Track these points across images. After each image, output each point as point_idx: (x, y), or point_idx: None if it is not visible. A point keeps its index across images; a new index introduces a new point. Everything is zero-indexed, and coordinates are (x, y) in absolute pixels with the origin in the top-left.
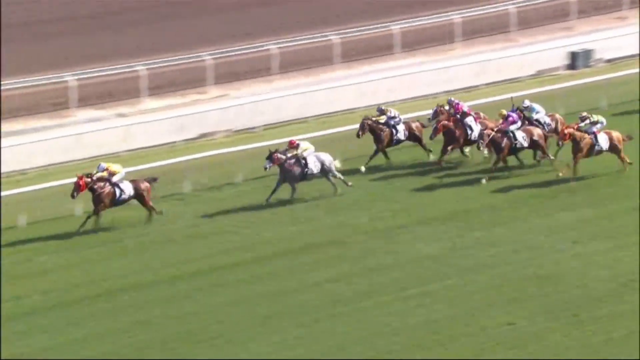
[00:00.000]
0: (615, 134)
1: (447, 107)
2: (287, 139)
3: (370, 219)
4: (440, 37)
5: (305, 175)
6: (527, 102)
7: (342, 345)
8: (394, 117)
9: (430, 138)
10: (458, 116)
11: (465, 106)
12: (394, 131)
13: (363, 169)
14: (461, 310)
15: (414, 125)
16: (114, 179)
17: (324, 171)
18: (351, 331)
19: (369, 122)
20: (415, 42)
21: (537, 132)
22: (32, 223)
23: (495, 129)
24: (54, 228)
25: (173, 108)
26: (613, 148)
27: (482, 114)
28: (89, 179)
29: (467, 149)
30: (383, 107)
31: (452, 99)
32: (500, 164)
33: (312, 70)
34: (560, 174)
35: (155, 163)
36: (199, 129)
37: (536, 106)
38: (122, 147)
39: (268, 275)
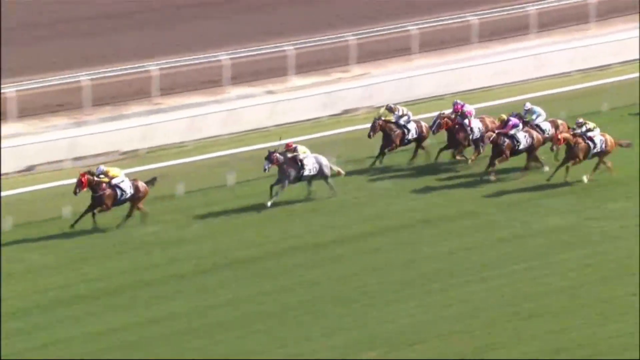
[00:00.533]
0: (609, 138)
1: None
2: (429, 114)
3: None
4: (574, 17)
5: (301, 177)
6: (528, 105)
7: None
8: (402, 116)
9: (433, 133)
10: (461, 117)
11: (469, 108)
12: (405, 131)
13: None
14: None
15: (423, 124)
16: (114, 182)
17: (321, 173)
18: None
19: (381, 122)
20: (550, 23)
21: (535, 134)
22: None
23: (496, 133)
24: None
25: (318, 86)
26: (606, 151)
27: (487, 119)
28: (92, 177)
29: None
30: (392, 105)
31: (457, 101)
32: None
33: (449, 50)
34: (586, 180)
35: (300, 137)
36: (343, 106)
37: (537, 109)
38: (270, 123)
39: (405, 244)
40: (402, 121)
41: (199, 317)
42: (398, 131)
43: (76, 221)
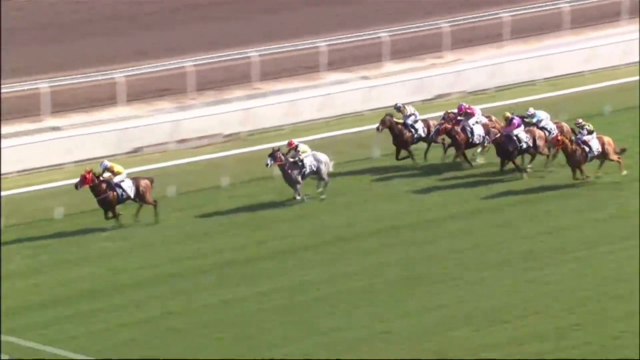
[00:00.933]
0: (607, 139)
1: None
2: (513, 101)
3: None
4: None
5: (303, 175)
6: (531, 110)
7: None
8: (410, 115)
9: (433, 139)
10: (461, 118)
11: (474, 109)
12: (413, 131)
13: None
14: None
15: (431, 123)
16: (116, 179)
17: (319, 171)
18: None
19: (390, 118)
20: None
21: (538, 133)
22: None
23: (499, 134)
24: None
25: (411, 71)
26: (603, 153)
27: (493, 118)
28: (96, 177)
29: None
30: (400, 105)
31: (463, 104)
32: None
33: (541, 37)
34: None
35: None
36: (435, 91)
37: (540, 114)
38: (364, 107)
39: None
40: (409, 121)
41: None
42: (408, 134)
43: (115, 219)
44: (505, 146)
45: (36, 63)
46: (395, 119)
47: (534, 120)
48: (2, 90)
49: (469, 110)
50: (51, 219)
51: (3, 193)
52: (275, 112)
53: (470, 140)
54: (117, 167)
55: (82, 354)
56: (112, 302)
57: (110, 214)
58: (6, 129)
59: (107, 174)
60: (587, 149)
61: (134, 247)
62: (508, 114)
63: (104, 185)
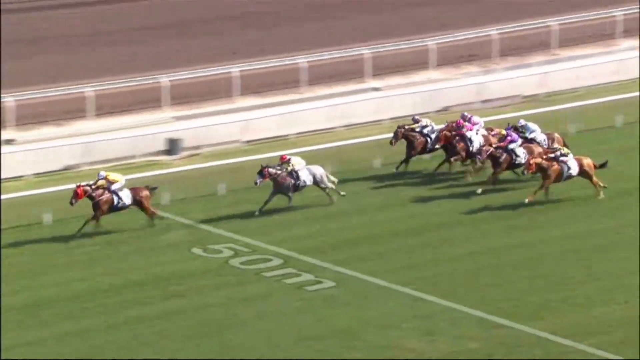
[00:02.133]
0: (586, 160)
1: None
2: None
3: None
4: None
5: (297, 187)
6: (522, 122)
7: None
8: (425, 127)
9: (432, 146)
10: (465, 128)
11: (477, 120)
12: (427, 139)
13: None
14: None
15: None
16: (113, 187)
17: (316, 182)
18: None
19: (403, 130)
20: None
21: (537, 150)
22: None
23: (495, 146)
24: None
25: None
26: (583, 173)
27: (496, 130)
28: (88, 187)
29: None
30: (417, 117)
31: (466, 113)
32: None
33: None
34: (527, 200)
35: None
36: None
37: (531, 126)
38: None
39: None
40: (425, 131)
41: None
42: (421, 139)
43: (80, 228)
44: (499, 158)
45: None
46: (407, 127)
47: (527, 133)
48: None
49: (469, 122)
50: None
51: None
52: (571, 75)
53: (470, 149)
54: (112, 176)
55: None
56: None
57: (94, 219)
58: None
59: (101, 182)
60: (565, 167)
61: None
62: (503, 132)
63: (99, 191)
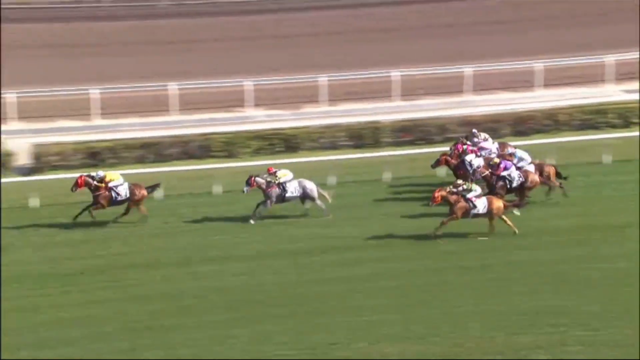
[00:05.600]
0: (497, 204)
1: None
2: None
3: None
4: None
5: (284, 198)
6: (511, 149)
7: None
8: (484, 141)
9: (432, 167)
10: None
11: (486, 144)
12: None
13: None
14: None
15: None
16: (111, 184)
17: (306, 196)
18: None
19: (446, 158)
20: None
21: (531, 177)
22: None
23: (490, 172)
24: None
25: None
26: (489, 212)
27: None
28: (90, 180)
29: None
30: (475, 131)
31: (476, 139)
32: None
33: None
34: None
35: None
36: None
37: (519, 154)
38: None
39: None
40: (468, 158)
41: None
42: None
43: (77, 215)
44: (494, 186)
45: None
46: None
47: (515, 160)
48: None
49: (468, 148)
50: None
51: None
52: None
53: (470, 172)
54: (109, 176)
55: None
56: None
57: (91, 210)
58: None
59: (99, 179)
60: (470, 204)
61: None
62: (496, 160)
63: (100, 187)
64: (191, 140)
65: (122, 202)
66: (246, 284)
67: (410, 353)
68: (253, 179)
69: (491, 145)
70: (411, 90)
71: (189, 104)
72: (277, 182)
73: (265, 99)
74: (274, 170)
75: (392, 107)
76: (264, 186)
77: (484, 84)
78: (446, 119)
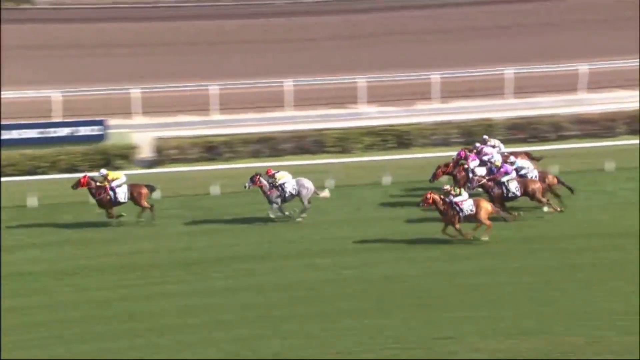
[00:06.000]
0: (484, 205)
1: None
2: None
3: None
4: None
5: (284, 199)
6: (512, 158)
7: None
8: (494, 147)
9: (430, 181)
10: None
11: (488, 149)
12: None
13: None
14: None
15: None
16: (113, 183)
17: (299, 194)
18: None
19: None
20: None
21: (532, 185)
22: None
23: (488, 179)
24: None
25: None
26: (477, 214)
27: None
28: (92, 182)
29: None
30: (485, 137)
31: (477, 144)
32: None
33: None
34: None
35: None
36: None
37: (521, 163)
38: None
39: None
40: (472, 165)
41: None
42: (464, 174)
43: (110, 217)
44: (490, 191)
45: None
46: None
47: (514, 167)
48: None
49: (470, 155)
50: None
51: None
52: None
53: (470, 183)
54: (112, 175)
55: None
56: None
57: (110, 214)
58: None
59: (101, 178)
60: (457, 209)
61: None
62: (498, 162)
63: (99, 190)
64: (306, 136)
65: (121, 203)
66: (359, 277)
67: (520, 350)
68: (258, 177)
69: (493, 150)
70: (524, 87)
71: (303, 100)
72: (275, 184)
73: (378, 95)
74: (273, 172)
75: (504, 105)
76: (265, 188)
77: (598, 82)
78: (560, 117)
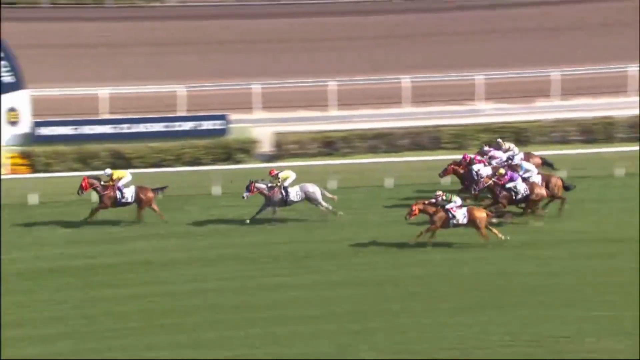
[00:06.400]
0: (479, 214)
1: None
2: None
3: None
4: None
5: (286, 202)
6: (517, 160)
7: None
8: (508, 150)
9: (440, 175)
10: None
11: (497, 153)
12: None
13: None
14: None
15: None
16: (120, 183)
17: (309, 199)
18: None
19: (454, 167)
20: None
21: (537, 190)
22: None
23: (494, 182)
24: None
25: None
26: (472, 222)
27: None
28: (95, 181)
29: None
30: (499, 140)
31: (486, 147)
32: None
33: None
34: (412, 241)
35: None
36: None
37: (526, 166)
38: None
39: None
40: (474, 167)
41: None
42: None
43: (88, 216)
44: (497, 195)
45: None
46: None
47: (521, 171)
48: None
49: (476, 158)
50: None
51: None
52: None
53: (475, 186)
54: (117, 174)
55: None
56: None
57: (93, 213)
58: None
59: (106, 178)
60: (449, 215)
61: None
62: (502, 170)
63: (104, 189)
64: (422, 132)
65: (126, 204)
66: (474, 273)
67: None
68: (253, 184)
69: (502, 154)
70: None
71: (420, 96)
72: (279, 185)
73: (495, 92)
74: (276, 172)
75: (627, 103)
76: (265, 191)
77: None
78: None
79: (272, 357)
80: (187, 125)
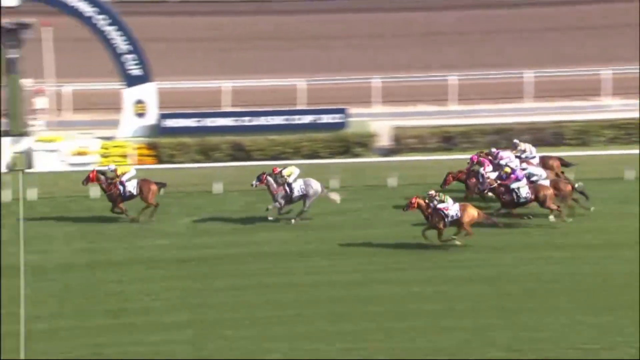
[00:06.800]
0: (470, 211)
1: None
2: None
3: None
4: None
5: (291, 199)
6: (524, 165)
7: None
8: (524, 151)
9: (441, 187)
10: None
11: (505, 154)
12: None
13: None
14: None
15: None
16: (124, 177)
17: (307, 196)
18: None
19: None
20: None
21: (543, 192)
22: None
23: (498, 183)
24: None
25: None
26: (459, 219)
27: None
28: (102, 176)
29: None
30: (517, 142)
31: (493, 150)
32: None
33: None
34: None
35: None
36: None
37: (534, 171)
38: None
39: None
40: (482, 170)
41: None
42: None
43: (118, 212)
44: (501, 196)
45: None
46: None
47: (533, 178)
48: None
49: (481, 160)
50: None
51: None
52: None
53: (481, 186)
54: (121, 169)
55: None
56: None
57: (117, 210)
58: None
59: (111, 174)
60: (443, 214)
61: None
62: (508, 169)
63: (109, 185)
64: (544, 128)
65: (130, 197)
66: (599, 273)
67: None
68: (265, 176)
69: (510, 154)
70: None
71: (543, 91)
72: (284, 182)
73: (622, 88)
74: (279, 170)
75: None
76: (272, 187)
77: None
78: None
79: (391, 352)
80: (307, 119)
